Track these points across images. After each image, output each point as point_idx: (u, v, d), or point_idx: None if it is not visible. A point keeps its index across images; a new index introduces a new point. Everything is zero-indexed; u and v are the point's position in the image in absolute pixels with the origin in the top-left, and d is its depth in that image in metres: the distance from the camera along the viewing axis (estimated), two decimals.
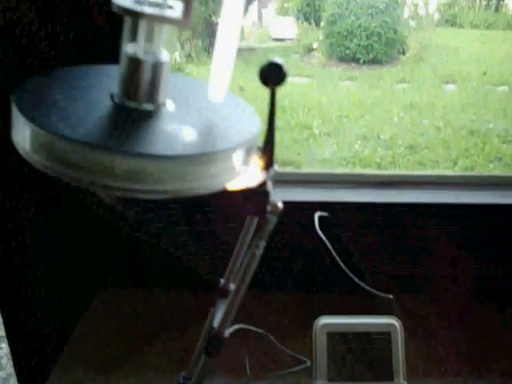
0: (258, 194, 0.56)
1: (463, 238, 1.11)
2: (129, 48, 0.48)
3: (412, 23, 3.99)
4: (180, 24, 0.46)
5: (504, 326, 1.06)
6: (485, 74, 3.57)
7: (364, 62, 3.65)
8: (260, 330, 0.84)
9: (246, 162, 0.50)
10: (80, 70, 0.56)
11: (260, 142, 0.54)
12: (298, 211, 0.97)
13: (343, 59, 3.69)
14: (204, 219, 1.10)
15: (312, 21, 3.97)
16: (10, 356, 1.27)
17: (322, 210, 0.88)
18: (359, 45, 3.62)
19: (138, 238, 1.11)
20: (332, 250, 0.82)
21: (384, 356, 0.81)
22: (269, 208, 0.56)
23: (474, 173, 2.54)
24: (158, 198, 0.46)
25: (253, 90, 2.80)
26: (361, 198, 1.12)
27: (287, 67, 0.50)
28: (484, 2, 4.09)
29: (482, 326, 1.05)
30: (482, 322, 1.06)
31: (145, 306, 1.11)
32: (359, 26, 3.59)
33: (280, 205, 0.57)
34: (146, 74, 0.49)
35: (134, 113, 0.49)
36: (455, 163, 2.77)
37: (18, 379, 1.25)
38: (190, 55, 3.55)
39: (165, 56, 0.50)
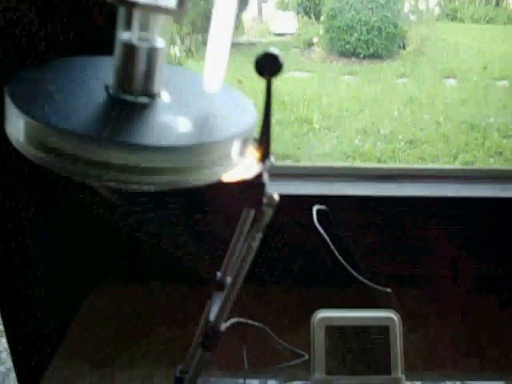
0: (253, 186, 0.55)
1: (463, 238, 1.11)
2: (123, 36, 0.48)
3: (412, 17, 3.98)
4: (175, 14, 0.45)
5: (504, 325, 1.06)
6: (485, 68, 3.56)
7: (364, 57, 3.64)
8: (258, 324, 0.84)
9: (242, 153, 0.49)
10: (75, 61, 0.56)
11: (256, 133, 0.53)
12: (296, 205, 0.96)
13: (343, 54, 3.67)
14: (202, 217, 1.10)
15: (312, 15, 3.96)
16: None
17: (320, 203, 0.88)
18: (359, 39, 3.60)
19: (137, 238, 1.11)
20: (330, 244, 0.82)
21: (382, 350, 0.81)
22: (265, 200, 0.56)
23: (474, 166, 2.54)
24: (152, 190, 0.46)
25: (252, 84, 2.79)
26: (360, 191, 1.12)
27: (283, 58, 0.49)
28: None
29: (481, 324, 1.05)
30: (481, 321, 1.06)
31: (141, 300, 1.11)
32: (359, 20, 3.58)
33: (276, 197, 0.57)
34: (141, 62, 0.48)
35: (128, 104, 0.49)
36: (455, 158, 2.76)
37: (17, 374, 1.25)
38: (189, 50, 3.54)
39: (160, 43, 0.49)
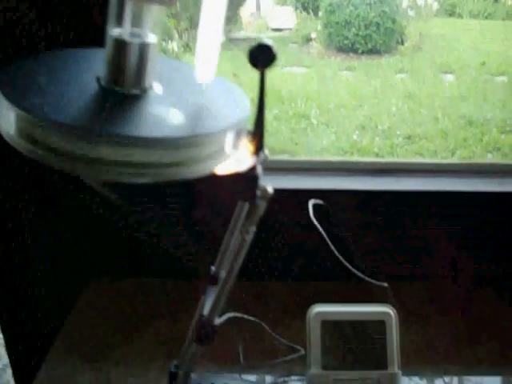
0: (247, 179, 0.55)
1: (463, 238, 1.11)
2: (114, 31, 0.47)
3: (411, 13, 3.97)
4: (166, 3, 0.45)
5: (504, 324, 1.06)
6: (483, 64, 3.55)
7: (362, 52, 3.63)
8: (253, 319, 0.84)
9: (235, 145, 0.49)
10: (67, 53, 0.55)
11: (250, 125, 0.53)
12: (292, 199, 0.96)
13: (342, 49, 3.66)
14: (196, 211, 1.09)
15: (310, 10, 3.95)
16: None
17: (316, 197, 0.87)
18: (358, 35, 3.59)
19: (137, 238, 1.11)
20: (327, 238, 0.82)
21: (378, 344, 0.81)
22: (258, 193, 0.56)
23: (472, 161, 2.54)
24: (144, 182, 0.45)
25: (248, 77, 2.78)
26: (357, 185, 1.11)
27: (277, 49, 0.49)
28: None
29: (481, 322, 1.05)
30: (480, 318, 1.06)
31: (137, 295, 1.11)
32: (358, 15, 3.57)
33: (270, 189, 0.56)
34: (132, 56, 0.48)
35: (120, 96, 0.48)
36: (453, 153, 2.76)
37: (12, 369, 1.25)
38: (187, 45, 3.53)
39: (152, 38, 0.49)
